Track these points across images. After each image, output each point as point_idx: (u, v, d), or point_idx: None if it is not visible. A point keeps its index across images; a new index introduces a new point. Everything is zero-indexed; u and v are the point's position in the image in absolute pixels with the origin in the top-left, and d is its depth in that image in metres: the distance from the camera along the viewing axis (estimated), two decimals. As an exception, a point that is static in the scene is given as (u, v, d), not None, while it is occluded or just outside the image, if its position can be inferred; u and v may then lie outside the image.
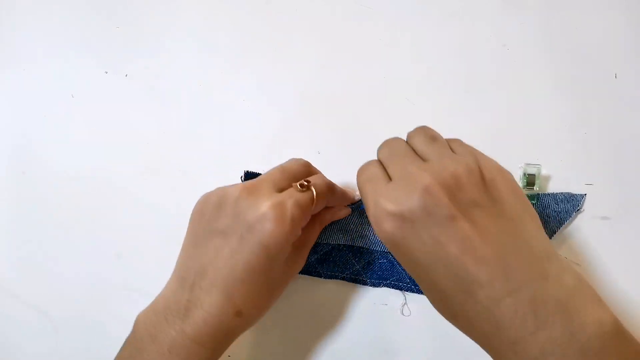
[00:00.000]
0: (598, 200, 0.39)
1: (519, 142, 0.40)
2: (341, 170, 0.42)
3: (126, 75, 0.45)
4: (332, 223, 0.38)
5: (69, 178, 0.43)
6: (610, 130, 0.40)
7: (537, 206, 0.37)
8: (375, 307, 0.39)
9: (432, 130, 0.31)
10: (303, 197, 0.30)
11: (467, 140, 0.41)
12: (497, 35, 0.43)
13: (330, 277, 0.39)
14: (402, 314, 0.38)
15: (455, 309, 0.26)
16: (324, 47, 0.45)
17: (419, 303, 0.39)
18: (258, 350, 0.39)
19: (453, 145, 0.30)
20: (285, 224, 0.28)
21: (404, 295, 0.38)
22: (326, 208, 0.36)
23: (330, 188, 0.34)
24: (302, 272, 0.38)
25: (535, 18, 0.44)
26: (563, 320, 0.23)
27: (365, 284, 0.39)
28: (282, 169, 0.33)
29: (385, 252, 0.39)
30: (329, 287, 0.40)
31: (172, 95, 0.45)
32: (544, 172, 0.39)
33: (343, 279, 0.39)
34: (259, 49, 0.45)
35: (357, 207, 0.39)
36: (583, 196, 0.38)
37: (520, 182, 0.38)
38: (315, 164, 0.37)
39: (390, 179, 0.28)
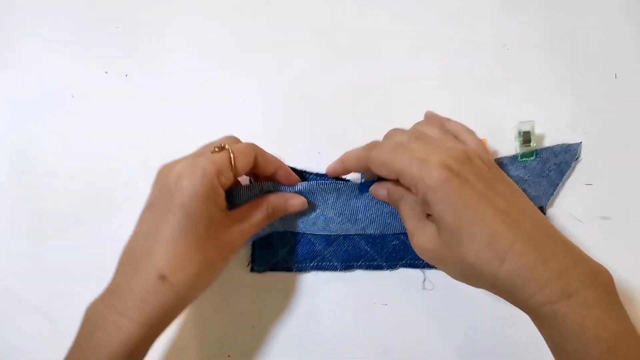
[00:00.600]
0: (598, 200, 0.39)
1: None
2: (341, 170, 0.42)
3: (126, 75, 0.45)
4: (341, 214, 0.38)
5: (68, 178, 0.43)
6: (610, 131, 0.40)
7: (536, 161, 0.38)
8: (375, 307, 0.39)
9: (437, 117, 0.37)
10: (217, 155, 0.32)
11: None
12: (497, 35, 0.44)
13: (347, 268, 0.39)
14: (425, 288, 0.39)
15: (500, 255, 0.27)
16: (324, 47, 0.45)
17: (419, 304, 0.39)
18: (258, 350, 0.39)
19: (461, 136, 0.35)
20: (196, 178, 0.30)
21: (423, 273, 0.39)
22: (276, 194, 0.36)
23: (255, 150, 0.34)
24: (317, 268, 0.39)
25: (535, 18, 0.44)
26: (586, 257, 0.28)
27: (381, 268, 0.39)
28: (208, 143, 0.35)
29: (397, 233, 0.39)
30: (329, 287, 0.40)
31: (172, 95, 0.45)
32: (537, 130, 0.39)
33: (359, 267, 0.39)
34: (259, 49, 0.45)
35: (362, 193, 0.38)
36: (579, 144, 0.39)
37: (516, 142, 0.39)
38: (315, 163, 0.37)
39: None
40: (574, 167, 0.39)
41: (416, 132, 0.33)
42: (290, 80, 0.44)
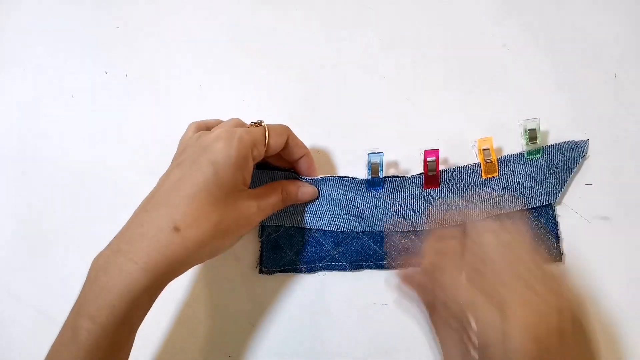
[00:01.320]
0: (598, 200, 0.39)
1: (518, 142, 0.40)
2: (341, 170, 0.42)
3: (126, 75, 0.45)
4: (347, 212, 0.38)
5: (68, 178, 0.43)
6: (610, 131, 0.40)
7: (543, 159, 0.38)
8: (375, 307, 0.39)
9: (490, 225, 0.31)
10: (255, 129, 0.33)
11: (467, 138, 0.42)
12: (497, 35, 0.44)
13: (356, 268, 0.39)
14: None
15: None
16: (324, 47, 0.45)
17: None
18: (258, 350, 0.39)
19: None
20: (233, 143, 0.31)
21: None
22: (290, 180, 0.37)
23: (288, 132, 0.35)
24: (326, 269, 0.39)
25: (535, 18, 0.44)
26: None
27: (391, 268, 0.39)
28: (236, 119, 0.36)
29: (406, 231, 0.39)
30: (329, 287, 0.40)
31: (172, 95, 0.45)
32: (542, 127, 0.39)
33: (368, 267, 0.39)
34: (259, 49, 0.45)
35: (368, 190, 0.39)
36: (586, 142, 0.39)
37: (522, 140, 0.39)
38: (315, 163, 0.38)
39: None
40: (581, 164, 0.39)
41: (482, 253, 0.29)
42: (290, 81, 0.44)
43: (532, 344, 0.23)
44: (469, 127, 0.41)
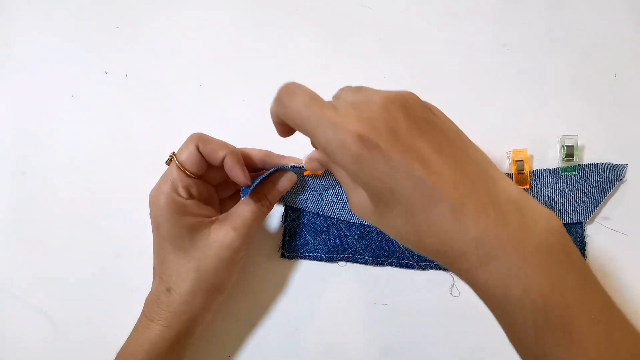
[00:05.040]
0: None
1: (518, 142, 0.40)
2: (341, 170, 0.42)
3: (126, 75, 0.45)
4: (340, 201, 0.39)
5: (68, 178, 0.43)
6: (610, 130, 0.40)
7: (578, 177, 0.38)
8: (375, 307, 0.39)
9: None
10: (168, 169, 0.35)
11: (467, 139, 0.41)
12: (497, 35, 0.43)
13: (377, 263, 0.39)
14: (452, 294, 0.39)
15: (421, 227, 0.25)
16: (323, 47, 0.45)
17: (419, 304, 0.39)
18: (258, 350, 0.39)
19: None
20: (159, 199, 0.34)
21: (452, 277, 0.39)
22: (268, 182, 0.36)
23: (196, 140, 0.34)
24: (348, 260, 0.39)
25: (535, 18, 0.44)
26: (518, 215, 0.24)
27: (412, 267, 0.39)
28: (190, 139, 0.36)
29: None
30: (329, 287, 0.40)
31: (172, 95, 0.45)
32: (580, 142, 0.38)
33: (390, 264, 0.39)
34: (259, 49, 0.45)
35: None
36: (625, 166, 0.38)
37: (559, 155, 0.38)
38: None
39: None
40: (617, 187, 0.38)
41: (335, 98, 0.29)
42: (289, 80, 0.44)
43: (356, 141, 0.24)
44: (469, 127, 0.41)
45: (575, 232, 0.38)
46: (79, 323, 0.41)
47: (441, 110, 0.28)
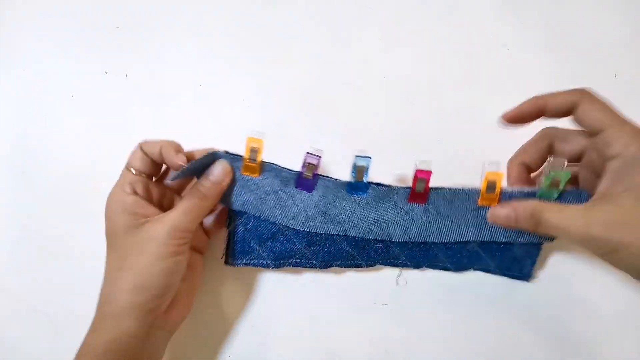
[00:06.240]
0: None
1: (517, 142, 0.40)
2: (341, 170, 0.42)
3: (126, 75, 0.45)
4: (323, 214, 0.37)
5: (68, 178, 0.43)
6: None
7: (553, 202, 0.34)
8: (375, 307, 0.39)
9: None
10: (122, 175, 0.36)
11: (467, 138, 0.42)
12: (497, 35, 0.44)
13: (325, 266, 0.38)
14: (398, 284, 0.40)
15: None
16: (323, 46, 0.45)
17: (419, 304, 0.39)
18: (258, 350, 0.39)
19: None
20: (112, 195, 0.35)
21: (400, 270, 0.40)
22: (202, 174, 0.36)
23: (141, 144, 0.36)
24: (295, 265, 0.38)
25: (535, 18, 0.44)
26: None
27: (360, 266, 0.38)
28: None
29: (380, 239, 0.38)
30: (329, 287, 0.40)
31: (172, 95, 0.45)
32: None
33: (338, 265, 0.38)
34: (259, 48, 0.45)
35: (349, 194, 0.37)
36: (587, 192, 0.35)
37: (542, 178, 0.34)
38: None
39: None
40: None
41: None
42: (290, 80, 0.44)
43: None
44: (470, 128, 0.41)
45: (532, 253, 0.37)
46: (79, 323, 0.41)
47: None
